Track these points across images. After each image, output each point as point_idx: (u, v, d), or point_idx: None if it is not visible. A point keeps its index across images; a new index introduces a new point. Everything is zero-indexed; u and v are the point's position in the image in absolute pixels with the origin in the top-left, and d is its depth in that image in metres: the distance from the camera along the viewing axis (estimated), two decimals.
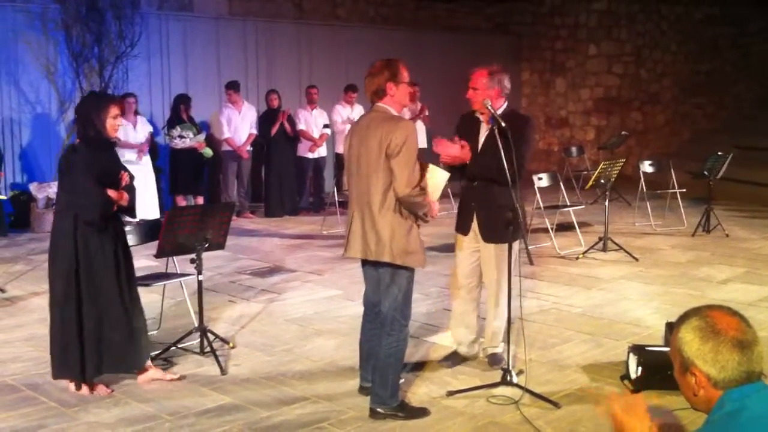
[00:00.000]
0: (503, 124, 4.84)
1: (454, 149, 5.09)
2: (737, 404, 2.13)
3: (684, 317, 2.26)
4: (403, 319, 4.60)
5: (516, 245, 5.05)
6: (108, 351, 4.90)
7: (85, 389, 4.91)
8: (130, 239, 6.00)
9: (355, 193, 4.59)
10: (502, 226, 4.93)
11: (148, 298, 6.56)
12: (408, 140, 4.34)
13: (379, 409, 4.58)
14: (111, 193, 4.81)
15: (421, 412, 4.65)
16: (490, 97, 5.05)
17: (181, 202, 11.26)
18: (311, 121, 12.24)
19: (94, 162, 4.78)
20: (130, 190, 4.97)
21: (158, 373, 5.17)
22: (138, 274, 6.81)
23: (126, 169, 5.04)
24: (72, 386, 4.95)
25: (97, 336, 4.84)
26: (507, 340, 5.07)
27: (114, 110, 4.83)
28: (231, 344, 5.85)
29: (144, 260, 8.05)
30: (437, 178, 4.61)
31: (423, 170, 4.48)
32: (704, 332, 2.18)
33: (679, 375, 2.27)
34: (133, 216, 5.17)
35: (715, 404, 2.17)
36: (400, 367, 4.70)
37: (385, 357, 4.57)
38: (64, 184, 4.86)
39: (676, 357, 2.25)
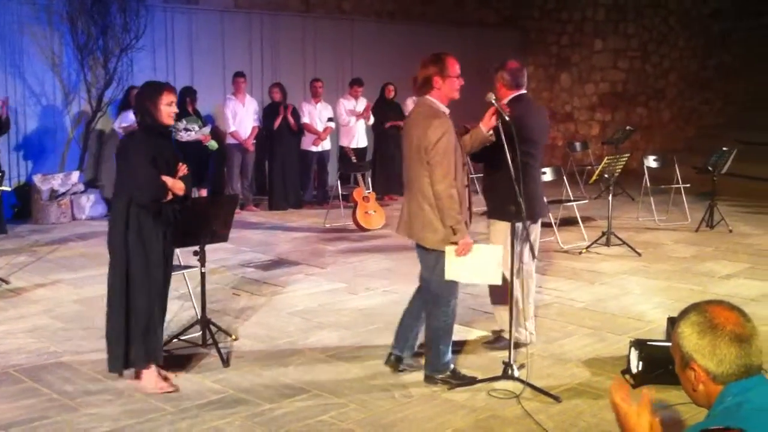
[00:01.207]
0: (507, 118, 4.86)
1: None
2: (738, 398, 2.13)
3: (684, 312, 2.28)
4: (449, 295, 4.90)
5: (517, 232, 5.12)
6: (153, 336, 4.88)
7: (142, 379, 4.88)
8: None
9: (405, 179, 4.97)
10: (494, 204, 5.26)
11: None
12: (443, 137, 4.61)
13: (433, 375, 4.97)
14: (166, 179, 4.79)
15: (470, 380, 4.95)
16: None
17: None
18: (315, 114, 12.24)
19: (150, 147, 4.79)
20: (186, 181, 4.94)
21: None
22: None
23: (184, 161, 5.01)
24: (152, 378, 4.88)
25: (146, 322, 4.83)
26: (510, 335, 5.08)
27: (168, 97, 4.81)
28: (233, 336, 5.86)
29: None
30: (486, 255, 4.79)
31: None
32: (702, 327, 2.19)
33: (679, 370, 2.28)
34: (186, 206, 5.13)
35: (716, 399, 2.18)
36: (449, 338, 4.98)
37: (435, 329, 4.94)
38: (120, 169, 4.89)
39: (676, 352, 2.27)
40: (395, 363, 5.22)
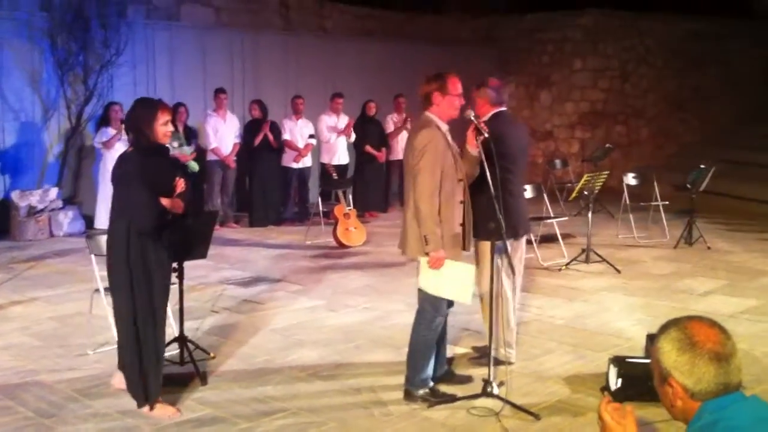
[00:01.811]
0: (486, 135, 4.89)
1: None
2: (714, 415, 2.13)
3: (664, 328, 2.27)
4: (433, 310, 4.92)
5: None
6: (162, 363, 4.78)
7: (155, 408, 4.75)
8: None
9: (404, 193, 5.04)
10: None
11: None
12: (428, 145, 4.70)
13: (412, 392, 4.97)
14: (163, 201, 4.67)
15: (450, 398, 4.94)
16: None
17: None
18: (296, 131, 12.23)
19: (146, 169, 4.63)
20: (184, 197, 4.84)
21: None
22: None
23: (182, 175, 4.91)
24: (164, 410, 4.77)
25: (155, 351, 4.71)
26: (489, 352, 5.08)
27: (163, 116, 4.69)
28: (211, 354, 5.81)
29: None
30: (458, 273, 4.78)
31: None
32: (682, 344, 2.19)
33: (658, 385, 2.27)
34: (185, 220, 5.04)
35: (694, 416, 2.18)
36: (429, 354, 4.98)
37: (415, 344, 4.97)
38: (116, 193, 4.74)
39: (655, 367, 2.26)
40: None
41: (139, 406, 4.75)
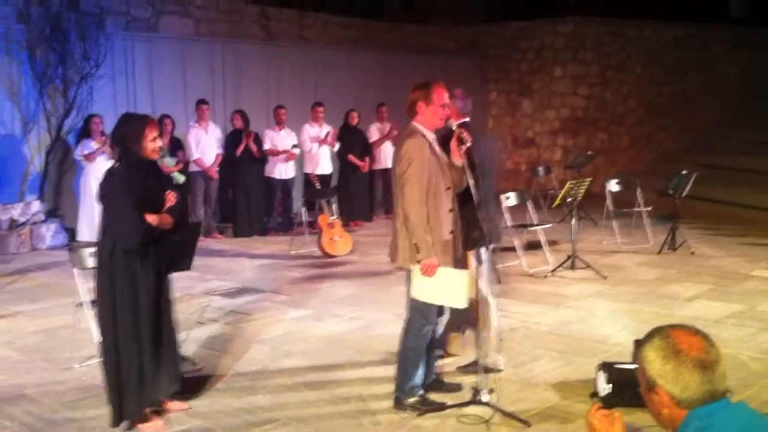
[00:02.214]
0: (469, 144, 4.91)
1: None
2: (702, 423, 2.14)
3: (649, 336, 2.28)
4: (423, 319, 4.91)
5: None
6: (149, 383, 4.67)
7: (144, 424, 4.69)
8: (94, 261, 5.92)
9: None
10: None
11: None
12: (414, 153, 4.73)
13: (401, 400, 4.97)
14: (150, 218, 4.55)
15: (440, 406, 4.93)
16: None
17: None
18: (279, 141, 12.21)
19: (132, 186, 4.54)
20: (173, 210, 4.73)
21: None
22: None
23: (173, 189, 4.82)
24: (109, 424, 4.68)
25: (138, 372, 4.61)
26: (477, 360, 5.07)
27: (151, 132, 4.59)
28: (198, 366, 5.77)
29: None
30: (452, 279, 4.78)
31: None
32: (666, 352, 2.20)
33: (644, 393, 2.29)
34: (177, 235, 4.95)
35: (681, 423, 2.18)
36: (419, 362, 4.98)
37: (405, 351, 4.97)
38: (102, 210, 4.65)
39: (641, 375, 2.28)
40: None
41: (111, 425, 4.63)
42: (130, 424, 4.67)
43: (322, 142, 12.41)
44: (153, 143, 4.62)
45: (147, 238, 4.55)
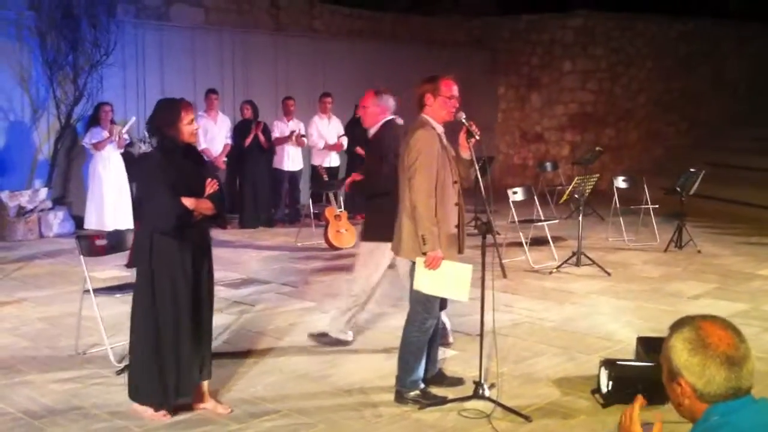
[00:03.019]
0: (477, 137, 4.92)
1: None
2: (722, 419, 2.11)
3: (677, 325, 2.23)
4: (425, 313, 4.91)
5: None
6: (184, 374, 4.66)
7: (163, 413, 4.68)
8: (101, 249, 5.96)
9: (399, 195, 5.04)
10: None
11: (120, 308, 6.50)
12: (424, 145, 4.75)
13: (402, 393, 4.97)
14: (186, 201, 4.52)
15: (441, 400, 4.94)
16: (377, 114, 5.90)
17: None
18: (287, 132, 12.20)
19: (168, 169, 4.53)
20: (215, 198, 4.72)
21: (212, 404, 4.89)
22: (109, 284, 6.80)
23: (214, 176, 4.81)
24: (149, 411, 4.69)
25: (175, 359, 4.61)
26: (480, 354, 5.08)
27: (187, 116, 4.59)
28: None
29: (116, 270, 7.99)
30: (456, 272, 4.80)
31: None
32: (694, 344, 2.15)
33: (666, 381, 2.24)
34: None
35: (701, 417, 2.15)
36: (420, 356, 4.98)
37: (407, 345, 4.97)
38: (140, 194, 4.70)
39: (665, 363, 2.23)
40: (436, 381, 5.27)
41: (156, 408, 4.65)
42: (171, 407, 4.69)
43: (331, 148, 12.33)
44: (189, 126, 4.62)
45: (182, 221, 4.52)
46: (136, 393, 4.72)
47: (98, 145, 10.72)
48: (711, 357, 2.12)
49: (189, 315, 4.62)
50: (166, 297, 4.56)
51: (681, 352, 2.16)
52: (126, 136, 11.03)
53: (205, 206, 4.64)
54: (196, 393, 4.80)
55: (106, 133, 10.75)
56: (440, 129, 4.91)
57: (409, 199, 4.79)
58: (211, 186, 4.71)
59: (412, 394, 4.97)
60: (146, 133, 9.90)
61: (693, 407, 2.18)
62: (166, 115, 4.61)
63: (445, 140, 4.91)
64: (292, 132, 12.09)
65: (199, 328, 4.71)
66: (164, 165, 4.55)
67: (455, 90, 4.92)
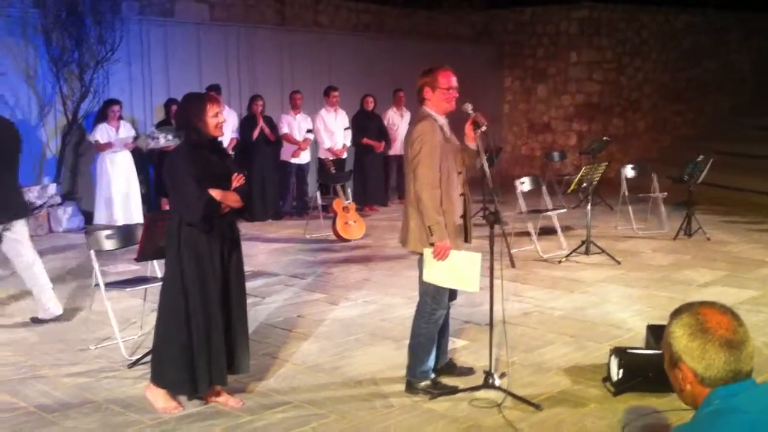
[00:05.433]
0: (484, 128, 4.91)
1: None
2: (724, 403, 2.13)
3: (677, 312, 2.26)
4: (434, 304, 4.92)
5: None
6: (215, 363, 4.67)
7: (175, 405, 4.73)
8: (111, 243, 5.98)
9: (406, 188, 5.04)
10: None
11: (129, 302, 6.54)
12: (426, 137, 4.74)
13: (413, 383, 4.99)
14: (214, 193, 4.55)
15: (452, 390, 4.96)
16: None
17: (166, 205, 11.22)
18: (294, 125, 12.22)
19: (195, 162, 4.56)
20: (242, 191, 4.75)
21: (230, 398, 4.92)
22: (119, 278, 6.82)
23: (241, 171, 4.83)
24: (161, 401, 4.72)
25: (206, 348, 4.62)
26: (490, 344, 5.08)
27: (212, 108, 4.61)
28: None
29: (125, 264, 8.01)
30: (465, 262, 4.80)
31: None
32: (693, 329, 2.18)
33: (668, 368, 2.27)
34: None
35: (703, 401, 2.18)
36: (430, 346, 4.99)
37: (417, 336, 4.98)
38: (168, 188, 4.71)
39: (666, 350, 2.26)
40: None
41: (190, 397, 4.76)
42: (203, 395, 4.73)
43: (336, 152, 12.38)
44: (215, 119, 4.63)
45: (209, 212, 4.54)
46: (162, 379, 4.73)
47: (100, 147, 10.79)
48: (710, 341, 2.16)
49: (219, 305, 4.64)
50: (196, 288, 4.58)
51: (681, 338, 2.20)
52: (132, 132, 11.10)
53: (233, 198, 4.68)
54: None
55: (112, 133, 10.82)
56: (442, 120, 4.89)
57: (414, 190, 4.80)
58: (237, 180, 4.74)
59: (422, 384, 4.98)
60: (153, 128, 9.95)
61: (695, 392, 2.20)
62: (192, 108, 4.64)
63: (448, 131, 4.90)
64: (304, 140, 12.15)
65: (229, 318, 4.73)
66: (190, 158, 4.59)
67: (453, 80, 4.90)
